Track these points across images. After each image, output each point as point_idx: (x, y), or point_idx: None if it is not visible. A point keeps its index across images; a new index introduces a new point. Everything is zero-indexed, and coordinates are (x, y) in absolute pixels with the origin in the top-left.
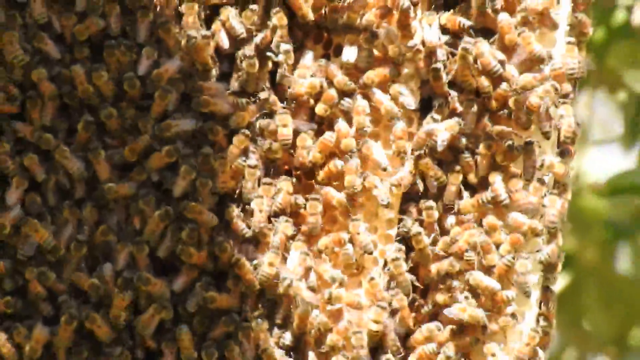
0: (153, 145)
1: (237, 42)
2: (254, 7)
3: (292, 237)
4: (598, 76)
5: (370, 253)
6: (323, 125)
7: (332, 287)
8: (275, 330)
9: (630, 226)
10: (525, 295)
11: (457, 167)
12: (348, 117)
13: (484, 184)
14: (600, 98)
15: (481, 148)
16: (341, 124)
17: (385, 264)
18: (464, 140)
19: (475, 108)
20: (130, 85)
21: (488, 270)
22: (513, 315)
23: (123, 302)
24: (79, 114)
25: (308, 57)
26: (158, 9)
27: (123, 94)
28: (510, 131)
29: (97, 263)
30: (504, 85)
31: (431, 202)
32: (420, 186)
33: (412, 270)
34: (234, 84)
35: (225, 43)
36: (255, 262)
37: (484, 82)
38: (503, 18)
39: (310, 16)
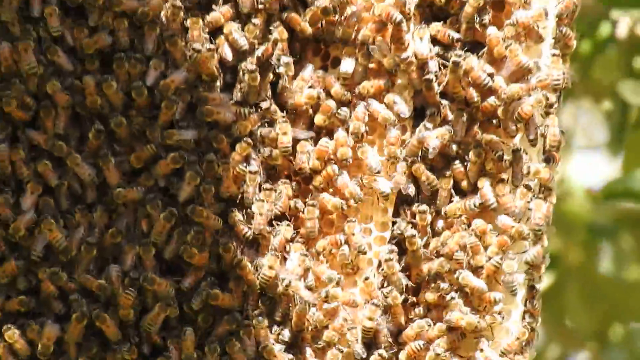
0: (159, 152)
1: (240, 54)
2: (256, 21)
3: (292, 240)
4: (583, 86)
5: (364, 253)
6: (321, 133)
7: (328, 287)
8: (275, 328)
9: (611, 228)
10: (512, 294)
11: (448, 173)
12: (345, 125)
13: (474, 189)
14: (585, 107)
15: (471, 156)
16: (340, 133)
17: (380, 264)
18: (454, 148)
19: (465, 117)
20: (137, 94)
21: (476, 270)
22: (500, 314)
23: (128, 300)
24: (90, 123)
25: (307, 70)
26: (165, 23)
27: (132, 104)
28: (500, 141)
29: (107, 264)
30: (491, 100)
31: (424, 206)
32: (412, 190)
33: (405, 270)
34: (237, 95)
35: (228, 55)
36: (256, 262)
37: (473, 93)
38: (491, 32)
39: (309, 30)
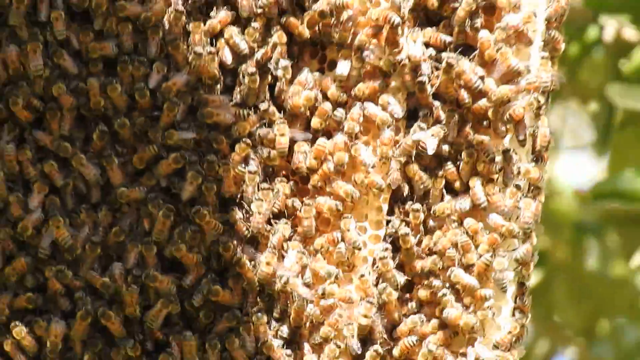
0: (161, 153)
1: (240, 57)
2: (255, 25)
3: (290, 238)
4: (570, 88)
5: (359, 249)
6: (318, 134)
7: (325, 284)
8: (274, 324)
9: (598, 227)
10: (502, 291)
11: (440, 173)
12: (341, 126)
13: (467, 189)
14: (572, 109)
15: (464, 156)
16: (338, 138)
17: (374, 262)
18: (447, 148)
19: (456, 118)
20: (140, 95)
21: (468, 268)
22: (490, 309)
23: (132, 298)
24: (94, 124)
25: (304, 73)
26: (167, 27)
27: (135, 105)
28: (491, 142)
29: (111, 262)
30: (482, 102)
31: (417, 205)
32: (406, 189)
33: (399, 268)
34: (237, 97)
35: (228, 59)
36: (254, 260)
37: (465, 95)
38: (483, 35)
39: (306, 34)
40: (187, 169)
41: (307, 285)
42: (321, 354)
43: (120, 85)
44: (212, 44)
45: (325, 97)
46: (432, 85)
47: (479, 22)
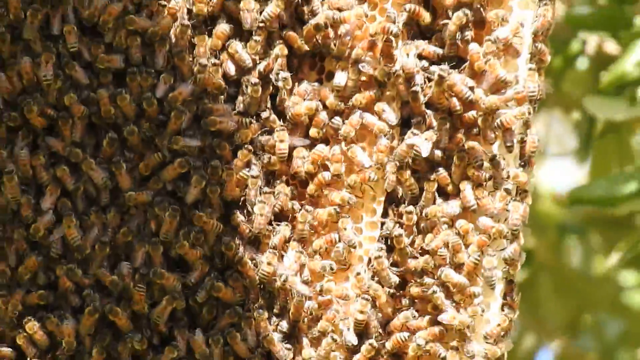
0: (166, 158)
1: (243, 69)
2: (257, 38)
3: (290, 239)
4: (555, 98)
5: (354, 247)
6: (317, 141)
7: (323, 281)
8: (274, 319)
9: (580, 228)
10: (491, 288)
11: (433, 177)
12: (338, 134)
13: (459, 192)
14: (557, 117)
15: (455, 159)
16: (336, 149)
17: (370, 261)
18: (439, 153)
19: (448, 125)
20: (148, 104)
21: (458, 267)
22: (479, 306)
23: (141, 295)
24: (104, 132)
25: (303, 85)
26: (174, 40)
27: (143, 114)
28: (481, 149)
29: (119, 261)
30: (471, 113)
31: (411, 207)
32: (400, 193)
33: (393, 267)
34: (239, 105)
35: (232, 70)
36: (256, 259)
37: (456, 103)
38: (473, 48)
39: (305, 48)
40: (191, 173)
41: (306, 282)
42: (319, 347)
43: (129, 95)
44: (216, 57)
45: (324, 106)
46: (424, 95)
47: (469, 35)
